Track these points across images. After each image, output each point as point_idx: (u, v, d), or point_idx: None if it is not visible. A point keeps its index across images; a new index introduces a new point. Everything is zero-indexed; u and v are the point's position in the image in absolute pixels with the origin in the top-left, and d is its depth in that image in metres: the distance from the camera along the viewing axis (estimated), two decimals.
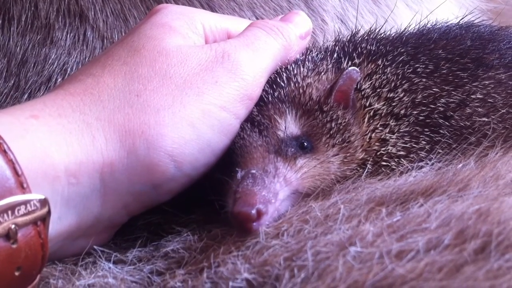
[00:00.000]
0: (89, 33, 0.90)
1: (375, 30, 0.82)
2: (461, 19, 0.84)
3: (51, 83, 0.89)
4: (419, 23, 0.83)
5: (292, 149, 0.69)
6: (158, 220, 0.72)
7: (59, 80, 0.89)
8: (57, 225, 0.60)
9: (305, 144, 0.70)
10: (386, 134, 0.73)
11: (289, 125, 0.70)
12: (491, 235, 0.51)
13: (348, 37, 0.82)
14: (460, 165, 0.67)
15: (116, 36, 0.90)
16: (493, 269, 0.48)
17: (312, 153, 0.70)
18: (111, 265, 0.63)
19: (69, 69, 0.89)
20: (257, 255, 0.57)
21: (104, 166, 0.62)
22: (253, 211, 0.61)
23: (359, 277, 0.50)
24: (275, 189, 0.65)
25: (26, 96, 0.89)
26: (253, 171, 0.66)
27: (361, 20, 1.01)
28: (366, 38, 0.80)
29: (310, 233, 0.59)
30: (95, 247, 0.65)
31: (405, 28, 0.83)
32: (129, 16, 0.91)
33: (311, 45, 0.83)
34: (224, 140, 0.68)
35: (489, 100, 0.74)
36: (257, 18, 0.94)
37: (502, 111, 0.74)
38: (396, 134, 0.73)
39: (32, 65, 0.89)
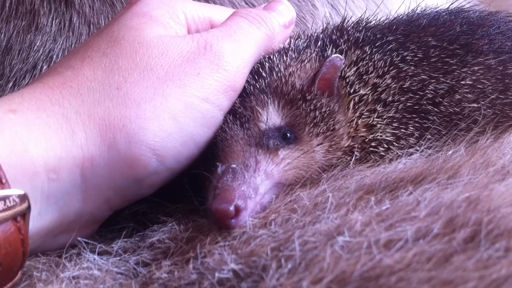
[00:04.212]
0: (75, 19, 0.88)
1: (365, 18, 0.81)
2: (450, 4, 0.83)
3: (37, 70, 0.87)
4: (409, 8, 0.82)
5: (275, 141, 0.68)
6: (144, 209, 0.71)
7: (44, 67, 0.87)
8: (37, 221, 0.59)
9: (288, 135, 0.69)
10: (374, 119, 0.72)
11: (271, 116, 0.69)
12: (481, 224, 0.50)
13: (336, 25, 0.80)
14: (450, 152, 0.67)
15: (103, 21, 0.89)
16: (482, 259, 0.47)
17: (295, 143, 0.69)
18: (96, 256, 0.62)
19: (54, 56, 0.88)
20: (244, 245, 0.57)
21: (84, 161, 0.61)
22: (231, 208, 0.60)
23: (347, 268, 0.49)
24: (255, 183, 0.64)
25: (11, 84, 0.87)
26: (233, 166, 0.65)
27: (351, 5, 1.00)
28: (354, 25, 0.79)
29: (298, 222, 0.58)
30: (79, 238, 0.64)
31: (394, 15, 0.82)
32: (115, 1, 0.90)
33: (298, 33, 0.82)
34: (207, 132, 0.67)
35: (478, 86, 0.73)
36: (246, 3, 0.93)
37: (492, 96, 0.73)
38: (384, 119, 0.72)
39: (17, 52, 0.88)
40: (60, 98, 0.62)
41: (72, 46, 0.88)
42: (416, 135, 0.72)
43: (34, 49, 0.87)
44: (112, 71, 0.64)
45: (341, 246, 0.52)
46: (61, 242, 0.64)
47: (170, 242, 0.62)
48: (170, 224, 0.65)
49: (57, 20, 0.88)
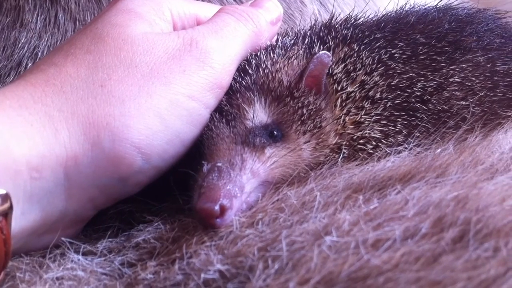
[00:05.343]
0: (60, 15, 0.87)
1: (353, 16, 0.81)
2: (439, 2, 0.82)
3: (21, 67, 0.86)
4: (398, 5, 0.82)
5: (261, 139, 0.68)
6: (130, 208, 0.70)
7: (29, 64, 0.86)
8: (20, 221, 0.58)
9: (275, 132, 0.68)
10: (362, 116, 0.71)
11: (258, 114, 0.69)
12: (470, 223, 0.50)
13: (324, 22, 0.80)
14: (439, 150, 0.66)
15: (89, 18, 0.88)
16: (471, 259, 0.47)
17: (282, 141, 0.69)
18: (80, 257, 0.61)
19: (40, 53, 0.87)
20: (230, 245, 0.56)
21: (67, 160, 0.60)
22: (216, 207, 0.59)
23: (334, 268, 0.48)
24: (241, 182, 0.64)
25: None
26: (219, 164, 0.64)
27: (340, 2, 0.99)
28: (342, 22, 0.79)
29: (285, 221, 0.58)
30: (63, 238, 0.63)
31: (382, 12, 0.82)
32: None
33: (285, 30, 0.82)
34: (193, 130, 0.66)
35: (467, 83, 0.73)
36: None
37: (480, 94, 0.73)
38: (372, 117, 0.71)
39: (1, 49, 0.87)
40: (43, 96, 0.61)
41: (58, 43, 0.87)
42: (405, 132, 0.71)
43: (19, 46, 0.86)
44: (96, 68, 0.63)
45: (329, 246, 0.51)
46: (45, 242, 0.63)
47: (155, 242, 0.62)
48: (156, 224, 0.65)
49: (42, 17, 0.87)
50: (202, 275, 0.54)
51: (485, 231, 0.49)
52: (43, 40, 0.87)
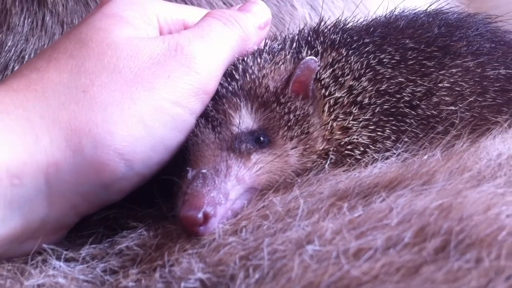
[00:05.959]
0: (47, 18, 0.87)
1: (343, 20, 0.80)
2: (429, 6, 0.82)
3: (8, 71, 0.86)
4: (388, 9, 0.82)
5: (247, 145, 0.67)
6: (114, 214, 0.69)
7: (16, 68, 0.86)
8: (1, 228, 0.58)
9: (261, 138, 0.68)
10: (350, 122, 0.71)
11: (244, 119, 0.68)
12: (452, 233, 0.49)
13: (313, 27, 0.79)
14: (426, 157, 0.66)
15: (77, 21, 0.87)
16: (452, 270, 0.46)
17: (269, 147, 0.68)
18: (62, 263, 0.60)
19: (26, 56, 0.86)
20: (212, 253, 0.55)
21: (48, 167, 0.59)
22: (200, 215, 0.58)
23: (314, 278, 0.48)
24: (225, 189, 0.63)
25: None
26: (204, 171, 0.63)
27: (331, 5, 0.99)
28: (331, 27, 0.78)
29: (269, 229, 0.57)
30: (44, 245, 0.62)
31: (372, 16, 0.81)
32: (90, 0, 0.88)
33: (274, 34, 0.81)
34: (178, 136, 0.65)
35: (456, 88, 0.73)
36: (224, 3, 0.92)
37: (470, 99, 0.72)
38: (360, 122, 0.71)
39: None
40: (24, 101, 0.60)
41: (45, 46, 0.86)
42: (393, 138, 0.71)
43: (6, 49, 0.86)
44: (79, 73, 0.63)
45: (310, 255, 0.51)
46: (27, 249, 0.62)
47: (138, 249, 0.61)
48: (140, 230, 0.64)
49: (29, 20, 0.87)
50: (183, 284, 0.53)
51: (467, 241, 0.48)
52: (30, 44, 0.86)
